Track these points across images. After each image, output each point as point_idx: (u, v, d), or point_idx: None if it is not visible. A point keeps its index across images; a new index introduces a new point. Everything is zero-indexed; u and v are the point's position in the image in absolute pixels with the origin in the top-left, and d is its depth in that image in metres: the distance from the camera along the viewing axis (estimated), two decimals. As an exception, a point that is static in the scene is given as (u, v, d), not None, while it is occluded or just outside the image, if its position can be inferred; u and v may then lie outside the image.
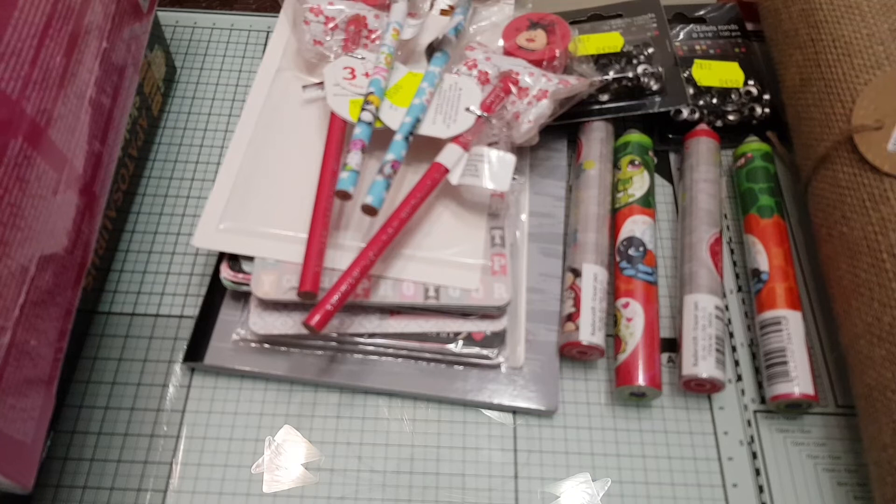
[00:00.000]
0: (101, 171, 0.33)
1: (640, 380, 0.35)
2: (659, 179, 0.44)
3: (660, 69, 0.43)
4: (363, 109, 0.36)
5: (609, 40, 0.45)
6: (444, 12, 0.45)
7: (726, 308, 0.40)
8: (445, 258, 0.36)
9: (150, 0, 0.39)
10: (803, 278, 0.41)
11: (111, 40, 0.34)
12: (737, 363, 0.38)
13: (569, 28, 0.42)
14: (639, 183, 0.40)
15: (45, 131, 0.28)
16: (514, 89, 0.39)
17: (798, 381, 0.35)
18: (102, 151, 0.33)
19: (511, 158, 0.36)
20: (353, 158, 0.35)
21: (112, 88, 0.34)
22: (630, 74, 0.42)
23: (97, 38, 0.33)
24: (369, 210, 0.34)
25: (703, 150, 0.42)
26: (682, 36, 0.49)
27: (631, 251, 0.38)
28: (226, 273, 0.35)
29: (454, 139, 0.36)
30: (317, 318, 0.31)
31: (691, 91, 0.45)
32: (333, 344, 0.35)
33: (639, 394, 0.35)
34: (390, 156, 0.35)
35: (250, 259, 0.35)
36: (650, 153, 0.42)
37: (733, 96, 0.45)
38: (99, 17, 0.33)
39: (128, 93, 0.36)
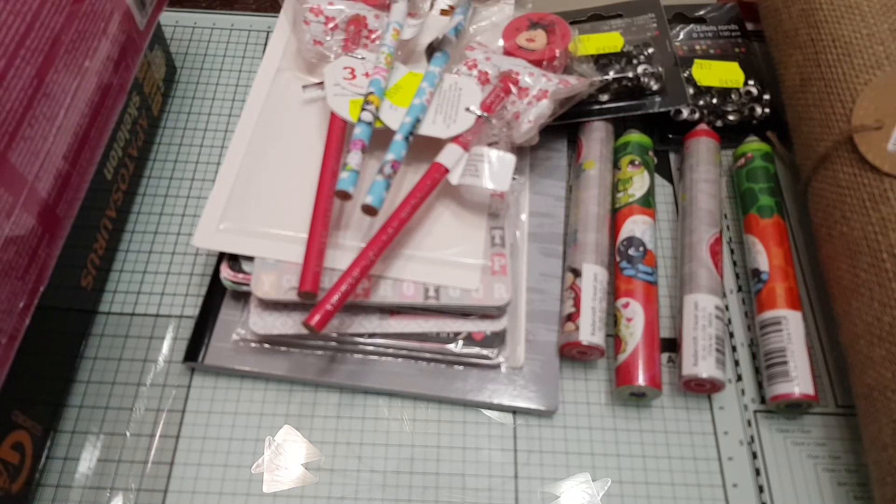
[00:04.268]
0: (67, 194, 0.32)
1: (640, 380, 0.35)
2: (659, 179, 0.44)
3: (660, 69, 0.43)
4: (363, 109, 0.36)
5: (609, 40, 0.45)
6: (444, 12, 0.45)
7: (726, 308, 0.40)
8: (445, 258, 0.36)
9: (148, 18, 0.39)
10: (803, 278, 0.41)
11: (95, 59, 0.33)
12: (737, 363, 0.38)
13: (569, 28, 0.42)
14: (639, 183, 0.40)
15: (4, 154, 0.27)
16: (514, 89, 0.39)
17: (798, 381, 0.35)
18: (71, 173, 0.32)
19: (511, 158, 0.36)
20: (353, 158, 0.35)
21: (91, 109, 0.33)
22: (630, 74, 0.42)
23: (79, 57, 0.32)
24: (369, 210, 0.34)
25: (703, 150, 0.42)
26: (682, 36, 0.49)
27: (631, 251, 0.38)
28: (226, 273, 0.35)
29: (454, 139, 0.36)
30: (317, 318, 0.31)
31: (691, 91, 0.45)
32: (333, 344, 0.35)
33: (639, 394, 0.35)
34: (390, 156, 0.35)
35: (250, 259, 0.35)
36: (650, 153, 0.42)
37: (733, 96, 0.45)
38: (83, 35, 0.32)
39: (110, 112, 0.35)
